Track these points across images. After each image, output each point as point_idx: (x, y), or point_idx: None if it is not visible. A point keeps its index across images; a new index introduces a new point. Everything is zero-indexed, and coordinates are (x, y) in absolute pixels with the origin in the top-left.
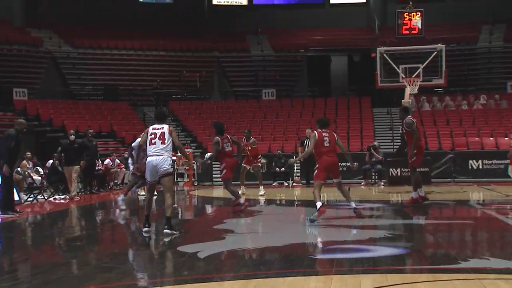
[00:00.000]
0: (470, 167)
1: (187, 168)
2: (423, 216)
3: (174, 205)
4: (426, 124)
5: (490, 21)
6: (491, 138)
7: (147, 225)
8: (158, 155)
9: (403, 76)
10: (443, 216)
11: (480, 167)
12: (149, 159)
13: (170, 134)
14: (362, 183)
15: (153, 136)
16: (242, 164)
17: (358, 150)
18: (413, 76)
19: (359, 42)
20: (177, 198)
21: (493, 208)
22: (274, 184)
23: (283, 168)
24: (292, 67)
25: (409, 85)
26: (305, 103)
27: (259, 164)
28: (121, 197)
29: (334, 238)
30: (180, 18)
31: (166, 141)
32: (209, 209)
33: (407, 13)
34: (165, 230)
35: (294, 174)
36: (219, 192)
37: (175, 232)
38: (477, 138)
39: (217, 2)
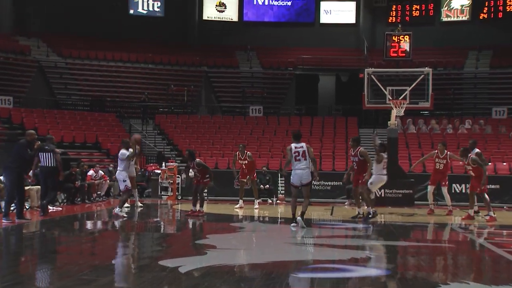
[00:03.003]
0: (453, 191)
1: (171, 182)
2: (406, 238)
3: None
4: (411, 146)
5: (477, 47)
6: None
7: (294, 222)
8: (302, 170)
9: (390, 98)
10: (425, 238)
11: (463, 191)
12: (297, 171)
13: (308, 151)
14: (346, 203)
15: (296, 154)
16: (240, 179)
17: (344, 170)
18: (400, 98)
19: (347, 62)
20: (160, 212)
21: (475, 232)
22: (258, 200)
23: (267, 185)
24: (280, 84)
25: (396, 107)
26: (291, 121)
27: (256, 179)
28: (116, 209)
29: (316, 257)
30: (170, 31)
31: (307, 158)
32: (191, 224)
33: (395, 36)
34: (298, 218)
35: (279, 192)
36: (203, 207)
37: (304, 226)
38: (461, 162)
39: (208, 17)
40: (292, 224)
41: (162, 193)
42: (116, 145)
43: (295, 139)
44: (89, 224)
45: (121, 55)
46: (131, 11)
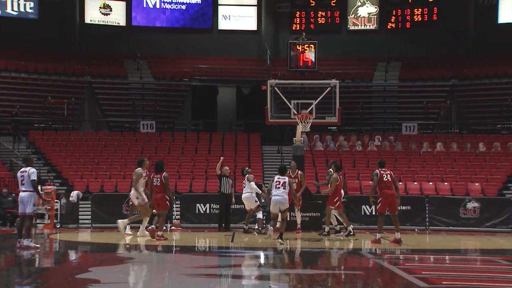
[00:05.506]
0: (363, 213)
1: (48, 208)
2: (312, 266)
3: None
4: (319, 165)
5: (385, 58)
6: None
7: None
8: (280, 196)
9: (295, 112)
10: (334, 266)
11: (374, 212)
12: (275, 197)
13: (289, 184)
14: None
15: (277, 183)
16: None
17: None
18: (306, 112)
19: (249, 73)
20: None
21: (385, 257)
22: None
23: None
24: (174, 97)
25: (301, 122)
26: (187, 138)
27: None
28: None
29: None
30: (47, 36)
31: (286, 187)
32: (72, 256)
33: (300, 45)
34: (278, 239)
35: (173, 217)
36: (85, 236)
37: (283, 242)
38: (370, 182)
39: (91, 20)
40: (279, 240)
41: (38, 221)
42: None
43: (280, 172)
44: None
45: None
46: None
